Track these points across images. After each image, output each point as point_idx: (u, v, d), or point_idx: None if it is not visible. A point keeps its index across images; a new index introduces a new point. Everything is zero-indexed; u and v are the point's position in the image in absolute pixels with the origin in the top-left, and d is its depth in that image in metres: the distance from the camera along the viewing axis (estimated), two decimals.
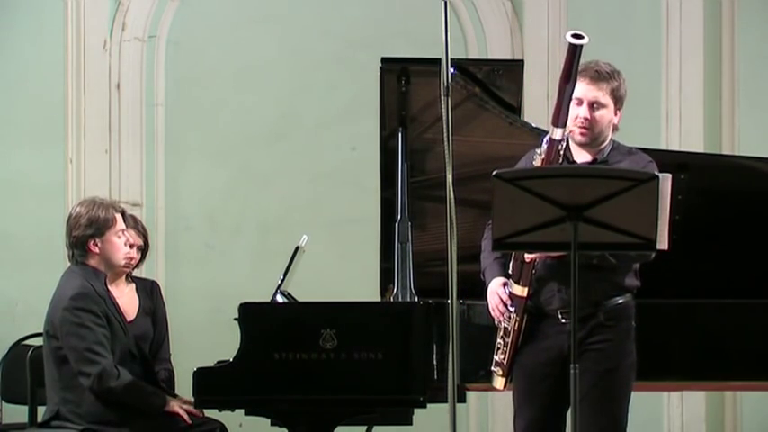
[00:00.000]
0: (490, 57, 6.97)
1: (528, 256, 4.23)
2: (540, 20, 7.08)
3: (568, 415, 4.29)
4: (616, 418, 4.29)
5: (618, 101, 4.31)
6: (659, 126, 7.09)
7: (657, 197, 3.90)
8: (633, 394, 4.43)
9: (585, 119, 4.25)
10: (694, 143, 7.00)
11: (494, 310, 4.35)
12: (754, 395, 6.82)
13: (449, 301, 4.18)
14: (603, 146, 4.33)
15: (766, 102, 7.08)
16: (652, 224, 3.91)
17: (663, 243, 4.01)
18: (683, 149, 6.77)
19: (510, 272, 4.33)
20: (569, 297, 4.14)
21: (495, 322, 4.37)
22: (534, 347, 4.32)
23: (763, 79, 7.08)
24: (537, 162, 4.23)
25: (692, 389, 6.50)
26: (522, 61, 5.60)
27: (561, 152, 4.23)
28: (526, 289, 4.28)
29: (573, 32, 4.13)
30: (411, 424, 4.97)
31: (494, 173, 3.96)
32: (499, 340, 4.36)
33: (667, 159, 5.27)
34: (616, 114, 4.33)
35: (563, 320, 4.26)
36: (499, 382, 4.41)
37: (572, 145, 4.33)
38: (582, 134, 4.27)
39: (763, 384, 5.30)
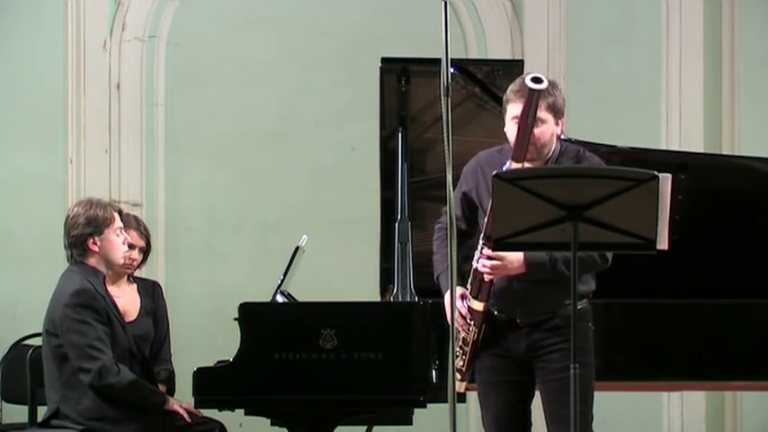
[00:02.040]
0: (490, 57, 6.97)
1: (487, 277, 4.31)
2: (540, 20, 7.08)
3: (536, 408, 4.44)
4: (583, 415, 4.31)
5: (557, 113, 4.35)
6: (659, 126, 7.09)
7: (657, 197, 3.90)
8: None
9: None
10: (694, 143, 7.00)
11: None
12: (754, 395, 6.82)
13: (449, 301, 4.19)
14: (549, 155, 4.38)
15: (766, 102, 7.08)
16: (652, 224, 3.91)
17: (663, 243, 4.01)
18: (683, 149, 6.77)
19: (468, 287, 4.38)
20: (528, 310, 4.35)
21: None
22: (495, 349, 4.42)
23: (763, 79, 7.08)
24: None
25: (692, 389, 6.50)
26: (522, 61, 5.61)
27: None
28: (484, 304, 4.36)
29: (532, 76, 4.21)
30: (411, 424, 4.98)
31: (494, 173, 3.96)
32: (458, 349, 4.41)
33: (667, 159, 5.29)
34: (558, 125, 4.37)
35: (521, 325, 4.36)
36: (458, 385, 4.43)
37: None
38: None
39: (763, 384, 5.30)
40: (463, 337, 4.40)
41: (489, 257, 4.27)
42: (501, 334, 4.39)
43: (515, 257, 4.27)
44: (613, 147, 5.02)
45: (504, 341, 4.40)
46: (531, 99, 4.19)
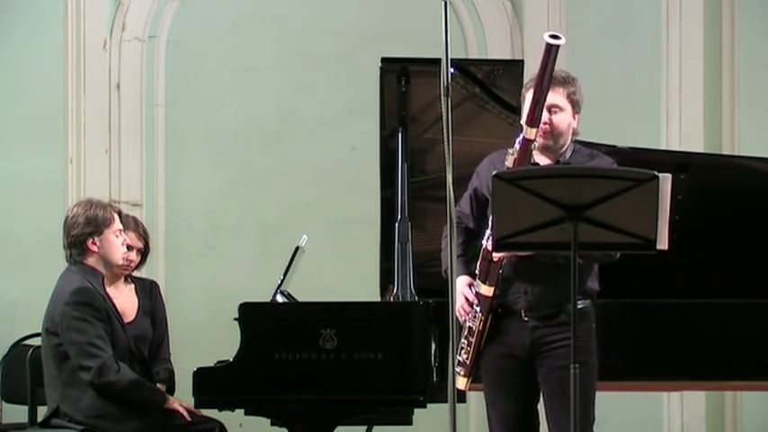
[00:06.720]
0: (490, 57, 6.98)
1: (496, 256, 4.27)
2: (540, 20, 7.08)
3: (539, 407, 4.43)
4: (586, 412, 4.32)
5: (575, 105, 4.37)
6: (659, 126, 7.09)
7: (657, 197, 3.91)
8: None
9: (545, 123, 4.29)
10: (694, 143, 7.01)
11: (458, 310, 4.39)
12: (754, 395, 6.82)
13: (449, 301, 4.19)
14: (564, 149, 4.39)
15: (766, 102, 7.09)
16: (652, 224, 3.91)
17: (663, 243, 4.01)
18: (683, 149, 6.77)
19: (477, 271, 4.36)
20: (534, 298, 4.32)
21: (461, 322, 4.41)
22: (500, 344, 4.39)
23: (763, 79, 7.09)
24: (509, 162, 4.27)
25: (692, 389, 6.50)
26: (522, 61, 5.60)
27: (533, 151, 4.29)
28: (492, 288, 4.34)
29: (551, 33, 4.17)
30: (411, 424, 4.98)
31: (494, 173, 3.96)
32: (463, 340, 4.41)
33: (667, 159, 5.29)
34: (574, 118, 4.38)
35: (525, 318, 4.34)
36: (461, 382, 4.43)
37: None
38: (542, 137, 4.31)
39: (763, 384, 5.30)
40: (469, 327, 4.37)
41: None
42: (505, 329, 4.37)
43: None
44: (613, 147, 5.01)
45: (508, 337, 4.37)
46: (549, 54, 4.15)
